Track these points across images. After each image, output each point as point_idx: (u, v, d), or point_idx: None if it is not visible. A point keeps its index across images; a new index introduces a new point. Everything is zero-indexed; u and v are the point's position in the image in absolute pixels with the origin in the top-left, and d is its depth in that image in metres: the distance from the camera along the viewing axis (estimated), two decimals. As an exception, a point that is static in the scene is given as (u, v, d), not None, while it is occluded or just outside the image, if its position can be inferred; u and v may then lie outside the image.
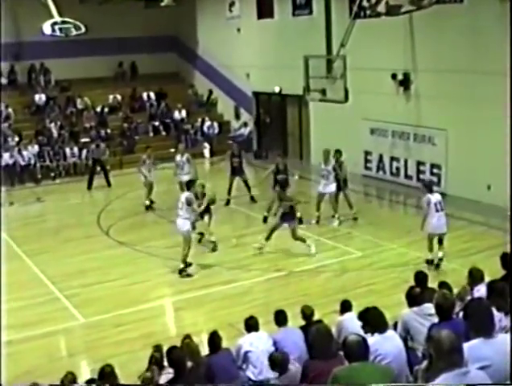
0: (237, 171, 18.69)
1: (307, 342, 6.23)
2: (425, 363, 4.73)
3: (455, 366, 4.12)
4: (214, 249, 14.74)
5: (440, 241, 13.07)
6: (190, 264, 13.51)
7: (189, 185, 13.97)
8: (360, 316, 6.55)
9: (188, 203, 13.24)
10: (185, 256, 13.35)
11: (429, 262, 13.07)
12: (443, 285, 7.92)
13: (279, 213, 14.53)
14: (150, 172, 18.76)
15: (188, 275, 13.32)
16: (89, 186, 21.79)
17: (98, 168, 22.23)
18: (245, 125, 26.27)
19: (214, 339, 7.68)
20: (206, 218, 14.94)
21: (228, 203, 18.50)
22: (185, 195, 13.51)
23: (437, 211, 12.73)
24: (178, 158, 18.53)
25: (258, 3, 24.87)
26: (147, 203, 18.71)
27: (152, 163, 18.92)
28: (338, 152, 16.45)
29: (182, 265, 13.33)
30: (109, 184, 21.87)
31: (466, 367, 4.27)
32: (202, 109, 28.32)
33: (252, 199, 18.75)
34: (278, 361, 6.96)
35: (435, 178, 18.62)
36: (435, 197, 12.85)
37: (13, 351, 10.09)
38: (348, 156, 17.42)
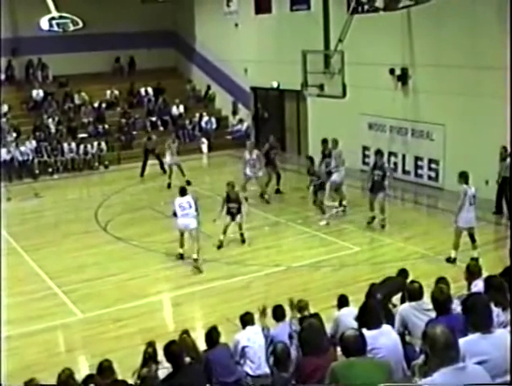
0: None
1: (299, 338, 6.22)
2: (421, 357, 4.74)
3: (451, 362, 4.13)
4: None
5: (472, 237, 12.77)
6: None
7: (184, 191, 14.09)
8: (359, 309, 6.56)
9: (196, 201, 13.85)
10: (198, 249, 13.47)
11: (450, 260, 12.76)
12: (440, 280, 7.93)
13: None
14: (173, 156, 20.41)
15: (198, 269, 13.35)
16: (142, 174, 22.11)
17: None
18: (241, 121, 26.33)
19: (212, 334, 7.69)
20: (238, 217, 14.77)
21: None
22: (187, 197, 13.78)
23: (471, 204, 12.48)
24: (247, 155, 18.25)
25: (255, -2, 24.88)
26: (169, 181, 20.15)
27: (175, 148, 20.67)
28: (334, 141, 16.87)
29: (195, 256, 13.40)
30: (164, 171, 21.86)
31: (464, 361, 4.28)
32: (200, 104, 28.28)
33: (278, 191, 18.91)
34: (281, 354, 6.95)
35: (433, 173, 18.68)
36: (471, 190, 12.52)
37: (11, 346, 10.10)
38: (346, 151, 17.47)
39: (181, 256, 13.84)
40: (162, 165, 21.96)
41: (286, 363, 6.70)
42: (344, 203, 16.64)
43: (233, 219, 14.62)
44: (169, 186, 19.95)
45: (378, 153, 15.96)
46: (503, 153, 15.56)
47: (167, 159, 20.65)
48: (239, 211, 14.71)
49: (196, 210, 13.67)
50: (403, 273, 9.35)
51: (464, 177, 12.65)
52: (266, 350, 7.70)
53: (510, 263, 8.09)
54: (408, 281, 8.21)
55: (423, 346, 4.34)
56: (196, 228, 13.63)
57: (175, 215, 13.74)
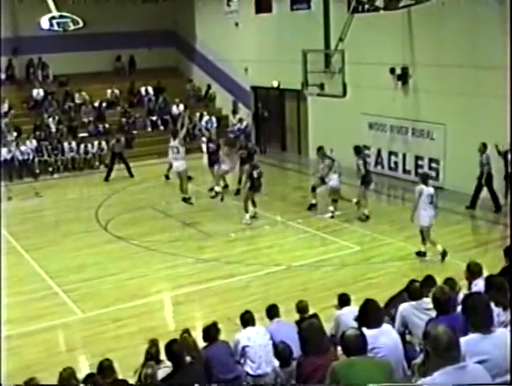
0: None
1: (299, 337, 6.23)
2: (421, 356, 4.73)
3: (453, 361, 4.12)
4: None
5: (426, 234, 13.26)
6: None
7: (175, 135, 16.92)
8: (359, 309, 6.56)
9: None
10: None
11: (421, 254, 13.30)
12: (448, 281, 7.88)
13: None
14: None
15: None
16: (107, 178, 21.91)
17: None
18: (241, 120, 26.32)
19: (211, 331, 7.70)
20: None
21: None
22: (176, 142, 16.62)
23: (430, 202, 12.88)
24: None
25: (256, -3, 24.88)
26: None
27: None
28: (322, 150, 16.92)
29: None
30: (131, 175, 22.03)
31: (464, 361, 4.28)
32: (200, 104, 28.27)
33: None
34: (283, 354, 6.97)
35: (433, 173, 18.66)
36: (429, 189, 12.94)
37: (11, 345, 10.10)
38: (346, 150, 17.47)
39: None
40: (129, 169, 22.02)
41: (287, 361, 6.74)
42: (354, 200, 16.52)
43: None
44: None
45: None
46: (482, 149, 15.86)
47: (222, 166, 18.67)
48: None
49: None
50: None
51: (422, 177, 13.32)
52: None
53: (510, 263, 8.08)
54: (408, 281, 8.17)
55: (425, 346, 4.31)
56: (183, 170, 16.45)
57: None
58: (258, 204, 17.35)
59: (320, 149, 16.95)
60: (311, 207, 17.03)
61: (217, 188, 18.02)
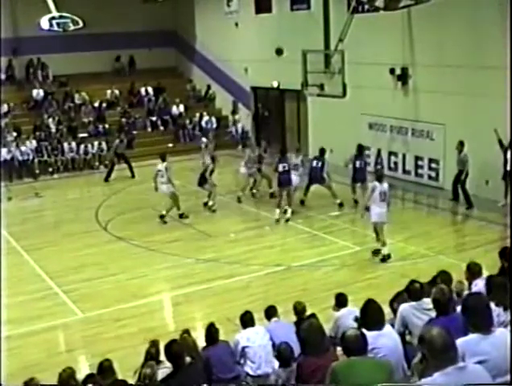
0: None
1: (298, 338, 6.22)
2: (419, 355, 4.72)
3: (450, 362, 4.12)
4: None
5: (380, 231, 13.39)
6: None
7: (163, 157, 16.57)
8: (360, 311, 6.55)
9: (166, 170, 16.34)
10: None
11: (377, 253, 13.44)
12: (441, 274, 7.88)
13: None
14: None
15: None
16: (107, 179, 21.89)
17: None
18: (235, 122, 26.40)
19: (210, 331, 7.70)
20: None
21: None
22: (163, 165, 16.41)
23: (383, 200, 13.03)
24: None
25: (255, -2, 24.88)
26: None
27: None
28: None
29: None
30: (133, 176, 22.05)
31: (463, 361, 4.28)
32: (200, 104, 28.28)
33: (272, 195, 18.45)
34: (285, 353, 6.97)
35: (433, 173, 18.68)
36: (382, 186, 13.07)
37: (11, 346, 10.10)
38: (346, 151, 17.50)
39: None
40: (131, 169, 22.04)
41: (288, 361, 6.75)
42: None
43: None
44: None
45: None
46: (459, 147, 16.42)
47: (241, 170, 18.68)
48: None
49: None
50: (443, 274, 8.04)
51: (377, 174, 13.66)
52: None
53: (510, 263, 8.08)
54: (408, 281, 8.17)
55: (422, 349, 4.32)
56: (171, 192, 16.36)
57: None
58: (257, 204, 17.40)
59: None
60: (302, 202, 17.41)
61: (211, 202, 17.78)
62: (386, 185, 13.20)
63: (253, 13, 25.06)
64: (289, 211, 16.21)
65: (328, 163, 17.30)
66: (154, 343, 7.44)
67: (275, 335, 7.80)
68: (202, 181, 17.39)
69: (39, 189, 20.89)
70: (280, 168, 15.99)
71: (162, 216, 16.52)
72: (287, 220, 16.10)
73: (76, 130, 24.87)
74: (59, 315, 11.50)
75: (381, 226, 13.32)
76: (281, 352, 7.04)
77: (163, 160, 16.59)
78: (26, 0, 24.22)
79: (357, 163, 17.02)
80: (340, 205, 16.89)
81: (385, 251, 13.26)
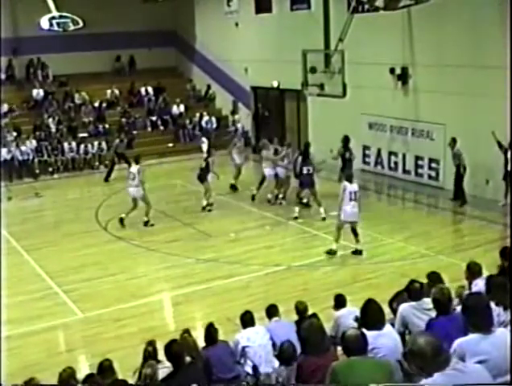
0: None
1: (299, 337, 6.22)
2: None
3: (445, 364, 4.10)
4: None
5: (354, 231, 13.63)
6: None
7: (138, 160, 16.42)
8: (360, 311, 6.55)
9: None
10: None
11: (331, 253, 13.67)
12: (432, 275, 7.88)
13: None
14: (239, 155, 19.59)
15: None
16: (107, 179, 21.87)
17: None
18: (234, 123, 26.40)
19: (210, 331, 7.70)
20: None
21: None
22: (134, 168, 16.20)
23: (351, 199, 13.22)
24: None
25: (255, -2, 24.88)
26: (233, 182, 19.44)
27: (242, 147, 20.22)
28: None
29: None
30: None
31: (464, 361, 4.28)
32: (200, 104, 28.28)
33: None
34: (288, 352, 6.96)
35: (433, 173, 18.68)
36: (352, 186, 13.32)
37: (11, 346, 10.10)
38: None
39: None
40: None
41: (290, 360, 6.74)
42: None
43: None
44: (232, 187, 19.39)
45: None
46: (451, 143, 16.63)
47: (236, 160, 19.56)
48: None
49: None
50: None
51: (347, 176, 13.84)
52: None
53: (510, 262, 8.07)
54: (408, 281, 8.17)
55: (413, 362, 4.23)
56: (140, 195, 16.02)
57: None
58: (257, 204, 17.40)
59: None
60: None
61: (205, 202, 17.70)
62: (355, 185, 13.48)
63: (253, 13, 25.06)
64: (321, 210, 16.22)
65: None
66: (150, 343, 7.44)
67: (275, 335, 7.80)
68: (202, 177, 17.40)
69: (39, 189, 20.89)
70: (304, 170, 16.12)
71: (146, 223, 16.28)
72: (296, 218, 16.29)
73: (76, 130, 24.87)
74: (59, 315, 11.49)
75: (355, 225, 13.59)
76: (284, 350, 7.03)
77: (137, 162, 16.38)
78: (26, 0, 24.22)
79: (347, 154, 17.58)
80: (324, 219, 16.17)
81: (333, 246, 13.72)
